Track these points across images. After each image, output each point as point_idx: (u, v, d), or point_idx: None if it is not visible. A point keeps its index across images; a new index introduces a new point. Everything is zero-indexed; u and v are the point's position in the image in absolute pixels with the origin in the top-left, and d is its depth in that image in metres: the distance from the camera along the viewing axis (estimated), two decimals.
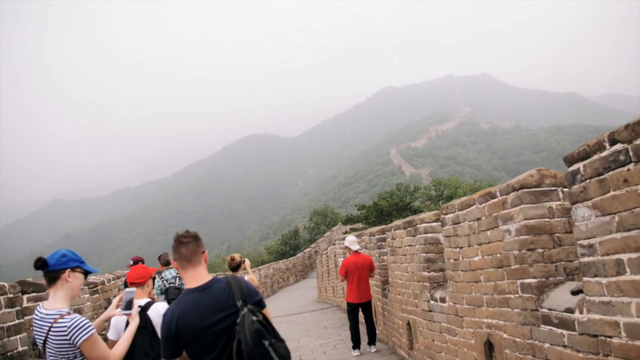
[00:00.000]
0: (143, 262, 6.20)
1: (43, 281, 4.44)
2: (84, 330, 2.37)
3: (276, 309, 14.24)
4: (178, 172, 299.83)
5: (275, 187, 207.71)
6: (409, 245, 4.90)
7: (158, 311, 3.30)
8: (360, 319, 6.74)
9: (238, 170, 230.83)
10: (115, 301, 3.20)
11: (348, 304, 6.47)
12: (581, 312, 2.37)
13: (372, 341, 6.46)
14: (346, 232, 25.79)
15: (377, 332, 6.79)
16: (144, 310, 3.28)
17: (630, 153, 1.97)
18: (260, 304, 2.39)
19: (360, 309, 6.48)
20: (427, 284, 4.51)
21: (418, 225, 4.62)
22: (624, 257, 2.04)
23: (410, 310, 5.07)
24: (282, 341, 2.31)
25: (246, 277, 5.60)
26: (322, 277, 16.23)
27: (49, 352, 2.42)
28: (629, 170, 1.99)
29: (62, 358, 2.39)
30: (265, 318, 2.32)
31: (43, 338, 2.40)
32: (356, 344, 6.39)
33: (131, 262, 6.33)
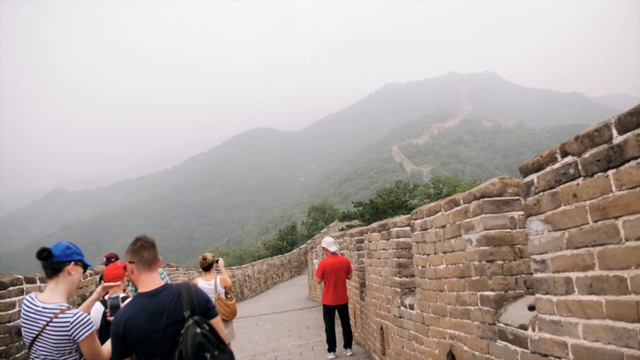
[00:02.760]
0: (117, 259, 6.12)
1: (5, 279, 4.36)
2: (86, 327, 2.37)
3: (265, 307, 14.20)
4: (178, 165, 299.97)
5: (276, 182, 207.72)
6: (383, 249, 4.80)
7: None
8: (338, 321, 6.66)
9: (239, 163, 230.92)
10: (95, 296, 3.17)
11: (324, 306, 6.38)
12: (534, 330, 2.28)
13: (348, 344, 6.37)
14: (342, 229, 25.71)
15: (355, 334, 6.71)
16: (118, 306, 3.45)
17: (580, 167, 1.87)
18: (209, 314, 2.43)
19: (336, 311, 6.39)
20: (399, 290, 4.41)
21: (391, 229, 4.52)
22: (573, 275, 1.95)
23: (384, 315, 4.97)
24: (226, 352, 2.35)
25: (219, 277, 5.53)
26: (313, 275, 16.16)
27: (40, 346, 2.37)
28: (578, 184, 1.89)
29: (56, 353, 2.36)
30: (211, 329, 2.35)
31: (37, 332, 2.34)
32: (332, 347, 6.30)
33: (104, 259, 6.22)
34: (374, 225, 5.19)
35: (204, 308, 2.39)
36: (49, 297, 2.42)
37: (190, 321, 2.27)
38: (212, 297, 5.42)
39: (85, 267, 2.65)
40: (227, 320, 5.46)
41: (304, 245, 31.94)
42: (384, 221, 4.87)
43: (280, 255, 28.54)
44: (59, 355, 2.36)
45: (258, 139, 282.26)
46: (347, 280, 6.48)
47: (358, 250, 6.38)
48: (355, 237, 6.46)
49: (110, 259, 6.09)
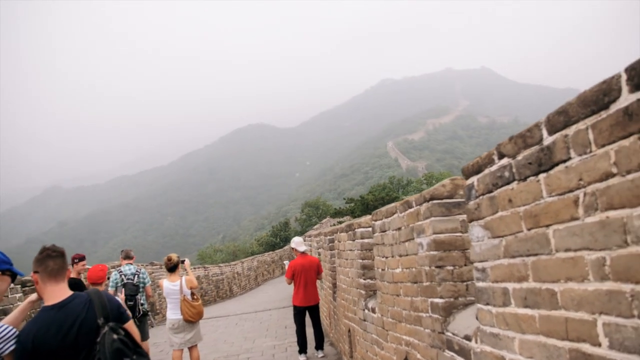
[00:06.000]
0: (84, 259, 6.09)
1: None
2: (11, 341, 2.24)
3: (250, 305, 14.10)
4: (175, 161, 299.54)
5: (272, 178, 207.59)
6: (350, 250, 4.67)
7: None
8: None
9: (235, 160, 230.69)
10: (24, 305, 3.03)
11: (294, 307, 6.23)
12: (476, 342, 2.14)
13: (319, 346, 6.23)
14: (334, 225, 25.59)
15: (330, 335, 6.58)
16: None
17: (514, 170, 1.72)
18: (122, 318, 2.40)
19: (307, 312, 6.25)
20: (363, 292, 4.28)
21: (356, 230, 4.38)
22: (510, 286, 1.81)
23: (351, 317, 4.85)
24: (144, 355, 2.37)
25: (184, 278, 5.39)
26: None
27: None
28: (512, 189, 1.74)
29: None
30: (127, 334, 2.33)
31: None
32: (302, 349, 6.17)
33: (76, 260, 6.10)
34: (342, 225, 5.06)
35: (116, 313, 2.37)
36: None
37: (106, 328, 2.24)
38: (178, 298, 5.30)
39: (14, 276, 2.51)
40: (193, 322, 5.32)
41: None
42: (351, 221, 4.73)
43: (271, 252, 28.44)
44: None
45: (254, 135, 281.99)
46: (320, 281, 6.34)
47: (331, 250, 6.24)
48: (328, 237, 6.32)
49: (74, 260, 6.03)
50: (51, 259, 2.26)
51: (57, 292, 2.26)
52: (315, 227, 34.76)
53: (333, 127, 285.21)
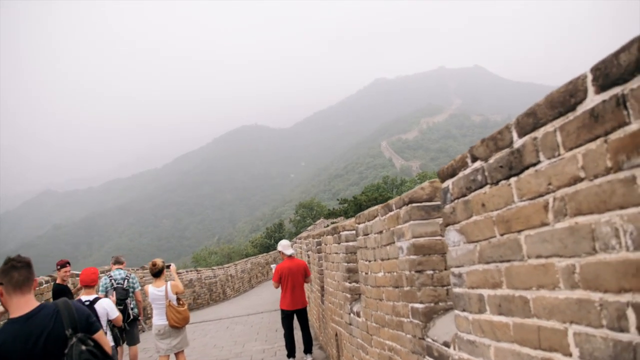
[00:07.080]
0: (68, 264, 6.08)
1: None
2: None
3: (243, 307, 14.04)
4: (169, 163, 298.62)
5: (267, 179, 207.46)
6: (335, 253, 4.62)
7: (102, 306, 4.34)
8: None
9: (230, 161, 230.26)
10: None
11: (282, 311, 6.17)
12: (454, 349, 2.09)
13: (308, 350, 6.16)
14: (327, 226, 25.53)
15: (320, 338, 6.52)
16: (92, 304, 4.25)
17: (486, 173, 1.67)
18: (91, 329, 2.37)
19: (295, 316, 6.19)
20: (349, 295, 4.23)
21: (341, 233, 4.33)
22: (485, 293, 1.76)
23: (337, 320, 4.80)
24: None
25: (169, 283, 5.32)
26: None
27: None
28: (485, 193, 1.69)
29: None
30: (96, 344, 2.31)
31: None
32: (291, 353, 6.10)
33: (59, 267, 6.06)
34: (328, 228, 5.01)
35: (85, 324, 2.34)
36: None
37: (74, 339, 2.21)
38: (163, 303, 5.23)
39: None
40: (179, 327, 5.26)
41: None
42: (336, 224, 4.68)
43: (265, 254, 28.36)
44: None
45: (248, 136, 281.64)
46: (308, 284, 6.27)
47: (318, 253, 6.19)
48: (316, 240, 6.26)
49: (58, 266, 6.03)
50: (16, 270, 2.21)
51: (23, 304, 2.21)
52: (309, 228, 34.67)
53: (327, 127, 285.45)
